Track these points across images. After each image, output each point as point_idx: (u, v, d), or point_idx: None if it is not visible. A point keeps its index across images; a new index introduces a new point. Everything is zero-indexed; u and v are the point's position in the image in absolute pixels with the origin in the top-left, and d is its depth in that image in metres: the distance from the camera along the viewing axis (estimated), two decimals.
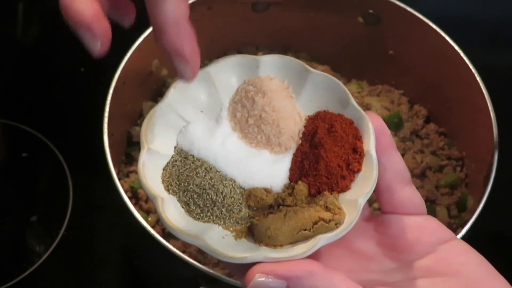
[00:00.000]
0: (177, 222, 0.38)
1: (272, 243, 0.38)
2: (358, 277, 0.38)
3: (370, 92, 0.78)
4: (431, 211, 0.68)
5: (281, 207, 0.40)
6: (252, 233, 0.39)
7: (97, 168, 0.62)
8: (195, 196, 0.40)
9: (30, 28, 0.90)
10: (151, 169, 0.40)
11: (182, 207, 0.40)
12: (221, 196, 0.40)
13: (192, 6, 0.61)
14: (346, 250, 0.40)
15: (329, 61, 0.79)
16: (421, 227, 0.40)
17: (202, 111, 0.43)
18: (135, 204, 0.66)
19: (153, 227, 0.64)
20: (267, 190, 0.40)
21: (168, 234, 0.66)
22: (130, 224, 0.58)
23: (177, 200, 0.40)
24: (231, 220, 0.40)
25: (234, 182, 0.41)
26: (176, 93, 0.42)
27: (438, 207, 0.69)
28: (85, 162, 0.75)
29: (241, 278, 0.37)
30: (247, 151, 0.42)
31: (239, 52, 0.80)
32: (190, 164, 0.41)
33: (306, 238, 0.38)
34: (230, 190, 0.40)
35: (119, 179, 0.60)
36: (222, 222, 0.40)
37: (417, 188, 0.66)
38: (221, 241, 0.38)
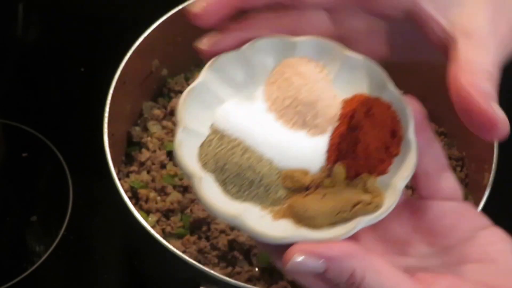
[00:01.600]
0: (215, 202, 0.37)
1: (311, 224, 0.37)
2: (393, 261, 0.37)
3: None
4: None
5: (319, 188, 0.39)
6: (290, 214, 0.38)
7: (97, 168, 0.62)
8: (232, 175, 0.39)
9: (30, 28, 0.90)
10: (188, 147, 0.39)
11: (219, 186, 0.39)
12: (258, 176, 0.39)
13: None
14: (381, 233, 0.39)
15: None
16: (458, 213, 0.39)
17: (238, 91, 0.42)
18: (135, 204, 0.66)
19: (153, 227, 0.64)
20: (304, 172, 0.40)
21: (168, 234, 0.66)
22: (130, 224, 0.58)
23: (214, 179, 0.39)
24: (269, 201, 0.39)
25: (271, 163, 0.40)
26: (211, 71, 0.41)
27: None
28: (85, 162, 0.75)
29: (278, 260, 0.36)
30: (283, 132, 0.41)
31: None
32: (226, 144, 0.40)
33: (345, 221, 0.37)
34: (267, 170, 0.39)
35: (119, 179, 0.60)
36: (259, 203, 0.39)
37: None
38: (259, 221, 0.38)
